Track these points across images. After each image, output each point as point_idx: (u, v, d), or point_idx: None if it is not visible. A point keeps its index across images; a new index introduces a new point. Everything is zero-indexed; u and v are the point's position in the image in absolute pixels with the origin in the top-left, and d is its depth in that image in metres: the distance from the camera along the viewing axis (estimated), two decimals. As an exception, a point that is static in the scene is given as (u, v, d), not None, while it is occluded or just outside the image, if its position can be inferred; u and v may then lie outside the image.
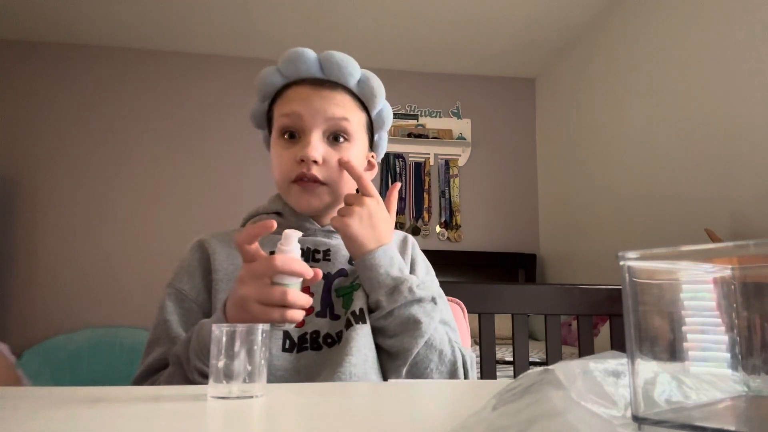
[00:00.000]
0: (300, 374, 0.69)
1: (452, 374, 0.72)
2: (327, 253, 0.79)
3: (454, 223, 3.65)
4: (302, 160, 0.75)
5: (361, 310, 0.72)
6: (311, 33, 3.25)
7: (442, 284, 0.87)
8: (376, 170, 0.89)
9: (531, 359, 1.38)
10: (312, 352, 0.71)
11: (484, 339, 1.24)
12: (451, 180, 3.70)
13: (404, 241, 0.86)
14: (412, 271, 0.82)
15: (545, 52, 3.48)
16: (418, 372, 0.71)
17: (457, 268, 3.47)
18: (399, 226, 3.53)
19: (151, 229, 3.32)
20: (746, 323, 0.33)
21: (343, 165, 0.76)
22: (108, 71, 3.44)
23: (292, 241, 0.60)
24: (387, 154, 3.67)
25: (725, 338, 0.33)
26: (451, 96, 3.80)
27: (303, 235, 0.66)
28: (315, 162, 0.75)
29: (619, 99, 2.84)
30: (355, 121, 0.80)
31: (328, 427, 0.37)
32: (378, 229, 0.73)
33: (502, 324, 2.21)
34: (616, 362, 0.36)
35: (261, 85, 0.83)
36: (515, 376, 1.03)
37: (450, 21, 3.11)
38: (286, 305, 0.58)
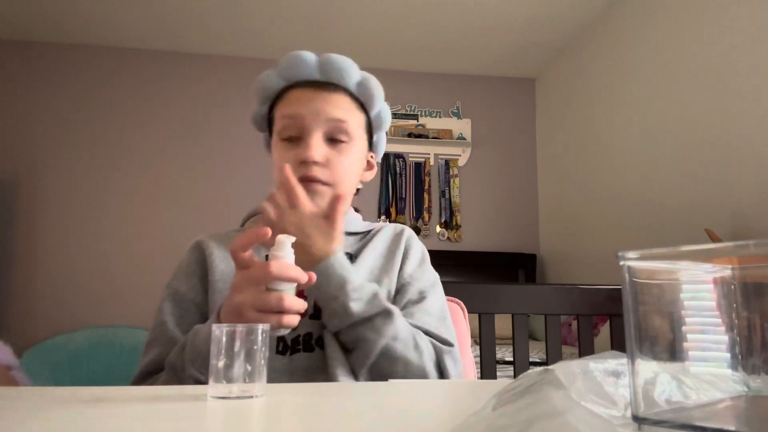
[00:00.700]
0: (294, 376, 0.70)
1: (428, 377, 0.70)
2: None
3: (454, 223, 3.65)
4: (304, 162, 0.75)
5: None
6: (310, 33, 3.25)
7: (442, 284, 0.86)
8: (375, 170, 0.89)
9: (531, 359, 1.38)
10: (305, 354, 0.71)
11: (484, 339, 1.24)
12: (451, 180, 3.70)
13: (399, 235, 0.85)
14: (402, 264, 0.81)
15: (545, 52, 3.48)
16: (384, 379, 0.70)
17: (457, 268, 3.47)
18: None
19: (150, 229, 3.32)
20: (746, 323, 0.33)
21: (279, 175, 0.69)
22: (106, 71, 3.44)
23: (285, 247, 0.60)
24: (387, 154, 3.67)
25: (725, 338, 0.33)
26: (451, 96, 3.80)
27: None
28: (316, 163, 0.75)
29: (619, 99, 2.84)
30: (354, 122, 0.81)
31: (328, 427, 0.37)
32: (314, 245, 0.68)
33: (502, 324, 2.20)
34: (616, 362, 0.36)
35: (260, 88, 0.83)
36: (515, 376, 1.03)
37: (450, 21, 3.11)
38: (282, 311, 0.58)
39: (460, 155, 3.75)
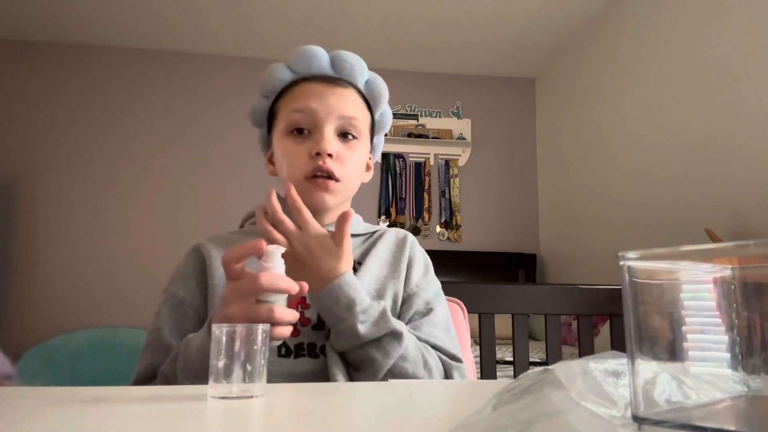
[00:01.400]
0: (296, 380, 0.69)
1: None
2: None
3: (454, 223, 3.65)
4: (317, 154, 0.75)
5: None
6: (310, 33, 3.24)
7: (442, 284, 0.86)
8: (372, 172, 0.89)
9: (531, 359, 1.38)
10: (309, 359, 0.71)
11: (484, 339, 1.24)
12: (451, 180, 3.70)
13: (402, 241, 0.85)
14: (408, 272, 0.81)
15: (545, 52, 3.48)
16: None
17: (457, 268, 3.47)
18: (399, 226, 3.53)
19: (150, 229, 3.32)
20: (746, 323, 0.33)
21: (290, 199, 0.68)
22: (106, 71, 3.44)
23: (275, 258, 0.59)
24: (387, 154, 3.67)
25: (725, 338, 0.33)
26: (451, 96, 3.80)
27: None
28: (330, 156, 0.75)
29: (619, 99, 2.84)
30: (363, 120, 0.81)
31: (328, 427, 0.37)
32: (322, 266, 0.68)
33: (502, 324, 2.21)
34: (616, 362, 0.36)
35: (268, 80, 0.82)
36: (515, 376, 1.03)
37: (450, 21, 3.11)
38: (273, 322, 0.57)
39: (460, 155, 3.75)
